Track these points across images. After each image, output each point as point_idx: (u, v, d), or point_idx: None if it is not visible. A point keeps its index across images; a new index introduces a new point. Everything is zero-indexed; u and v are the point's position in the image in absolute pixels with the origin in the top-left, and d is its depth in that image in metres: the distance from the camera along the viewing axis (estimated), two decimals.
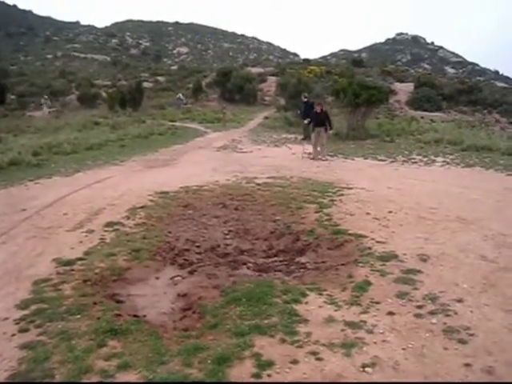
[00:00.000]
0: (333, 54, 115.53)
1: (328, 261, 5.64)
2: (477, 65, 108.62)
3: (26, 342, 3.71)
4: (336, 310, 4.21)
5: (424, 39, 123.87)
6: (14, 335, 3.84)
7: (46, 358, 3.47)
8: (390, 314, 4.11)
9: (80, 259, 5.54)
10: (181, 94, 36.63)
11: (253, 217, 7.61)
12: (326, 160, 13.10)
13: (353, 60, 63.59)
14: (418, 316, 4.04)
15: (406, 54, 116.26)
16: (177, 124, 24.36)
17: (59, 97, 42.35)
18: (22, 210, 7.68)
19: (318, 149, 13.67)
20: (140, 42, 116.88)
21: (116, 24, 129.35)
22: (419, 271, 4.99)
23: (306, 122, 15.75)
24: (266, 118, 27.70)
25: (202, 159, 13.43)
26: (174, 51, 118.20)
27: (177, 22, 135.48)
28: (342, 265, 5.39)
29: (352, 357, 3.47)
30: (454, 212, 7.30)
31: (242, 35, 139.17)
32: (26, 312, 4.21)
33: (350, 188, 9.11)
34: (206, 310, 4.31)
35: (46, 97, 34.37)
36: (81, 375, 3.28)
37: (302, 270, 5.52)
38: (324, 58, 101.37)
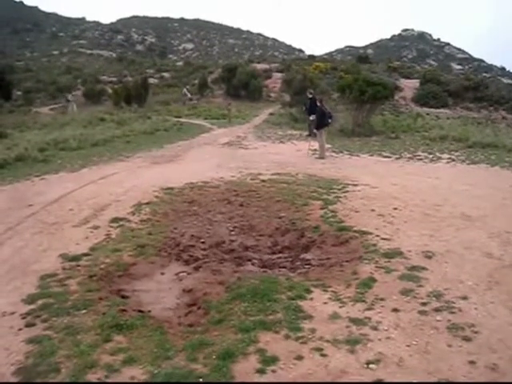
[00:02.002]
0: (338, 51, 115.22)
1: (333, 257, 5.64)
2: (483, 61, 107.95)
3: (32, 336, 3.75)
4: (341, 307, 4.21)
5: (430, 35, 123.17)
6: (20, 329, 3.87)
7: (52, 353, 3.50)
8: (395, 310, 4.11)
9: (86, 255, 5.57)
10: (185, 89, 36.50)
11: (258, 213, 7.61)
12: (322, 158, 13.01)
13: (358, 56, 63.25)
14: (422, 313, 4.05)
15: (412, 50, 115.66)
16: (182, 120, 24.33)
17: (65, 93, 42.48)
18: (28, 205, 7.72)
19: (327, 146, 13.64)
20: (145, 38, 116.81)
21: (121, 20, 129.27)
22: (424, 268, 4.99)
23: (311, 118, 15.73)
24: (271, 114, 27.63)
25: (207, 155, 13.43)
26: (180, 47, 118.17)
27: (182, 18, 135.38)
28: (347, 261, 5.39)
29: (356, 353, 3.48)
30: (459, 209, 7.28)
31: (248, 31, 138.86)
32: (32, 307, 4.25)
33: (355, 185, 9.10)
34: (211, 306, 4.32)
35: (74, 93, 32.97)
36: (86, 370, 3.30)
37: (306, 267, 5.53)
38: (329, 54, 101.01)
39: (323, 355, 3.46)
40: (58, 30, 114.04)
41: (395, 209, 7.34)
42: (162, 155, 13.53)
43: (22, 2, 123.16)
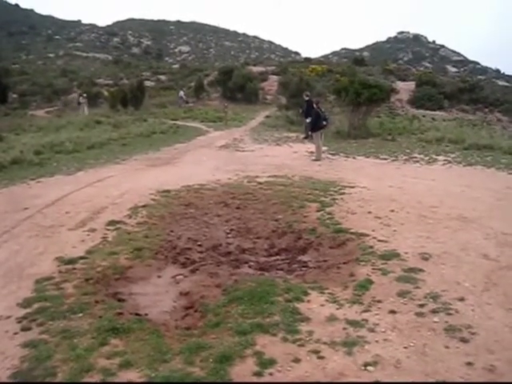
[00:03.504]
0: (334, 53, 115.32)
1: (330, 259, 5.64)
2: (478, 63, 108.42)
3: (28, 340, 3.73)
4: (338, 309, 4.21)
5: (425, 38, 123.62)
6: (16, 334, 3.85)
7: (48, 357, 3.48)
8: (392, 312, 4.11)
9: (82, 258, 5.55)
10: (182, 92, 36.42)
11: (254, 216, 7.61)
12: (319, 160, 12.99)
13: (354, 59, 63.28)
14: (419, 315, 4.05)
15: (408, 52, 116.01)
16: (178, 123, 24.31)
17: (61, 96, 42.38)
18: (24, 208, 7.69)
19: (323, 148, 13.65)
20: (141, 40, 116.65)
21: (118, 23, 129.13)
22: (421, 270, 4.99)
23: (307, 120, 15.73)
24: (268, 116, 27.62)
25: (203, 158, 13.42)
26: (176, 50, 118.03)
27: (178, 21, 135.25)
28: (344, 263, 5.39)
29: (354, 355, 3.47)
30: (456, 211, 7.29)
31: (244, 34, 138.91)
32: (28, 310, 4.23)
33: (352, 187, 9.11)
34: (208, 309, 4.32)
35: (85, 94, 31.59)
36: (83, 373, 3.29)
37: (303, 269, 5.53)
38: (325, 56, 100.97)
39: (320, 357, 3.46)
40: (53, 32, 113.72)
41: (392, 211, 7.35)
42: (158, 158, 13.52)
43: (17, 5, 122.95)
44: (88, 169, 11.52)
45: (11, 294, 4.61)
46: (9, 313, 4.20)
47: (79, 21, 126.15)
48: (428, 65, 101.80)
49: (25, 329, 3.92)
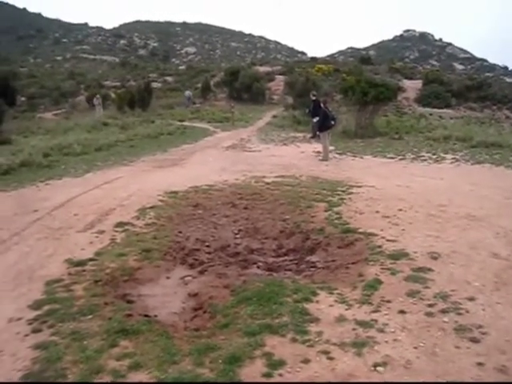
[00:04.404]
0: (340, 52, 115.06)
1: (338, 259, 5.63)
2: (485, 61, 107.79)
3: (38, 342, 3.75)
4: (347, 309, 4.20)
5: (432, 36, 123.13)
6: (27, 335, 3.87)
7: (59, 358, 3.50)
8: (401, 312, 4.09)
9: (91, 260, 5.57)
10: (188, 92, 36.42)
11: (262, 216, 7.61)
12: (326, 160, 12.95)
13: (361, 58, 63.09)
14: (429, 314, 4.02)
15: (414, 50, 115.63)
16: (185, 124, 24.36)
17: (68, 98, 42.62)
18: (33, 211, 7.74)
19: (330, 148, 13.63)
20: (148, 42, 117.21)
21: (124, 25, 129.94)
22: (430, 269, 4.96)
23: (314, 120, 15.70)
24: (275, 116, 27.58)
25: (210, 159, 13.43)
26: (182, 51, 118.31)
27: (184, 22, 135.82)
28: (353, 263, 5.38)
29: (363, 356, 3.46)
30: (465, 209, 7.24)
31: (250, 34, 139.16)
32: (38, 312, 4.25)
33: (360, 186, 9.08)
34: (217, 310, 4.32)
35: (99, 96, 31.69)
36: (93, 375, 3.30)
37: (312, 269, 5.52)
38: (332, 56, 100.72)
39: (330, 358, 3.44)
40: (61, 35, 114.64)
41: (400, 210, 7.32)
42: (165, 159, 13.55)
43: (25, 9, 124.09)
44: (96, 171, 11.57)
45: (22, 296, 4.64)
46: (20, 315, 4.22)
47: (86, 24, 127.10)
48: (435, 63, 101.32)
49: (35, 330, 3.94)
